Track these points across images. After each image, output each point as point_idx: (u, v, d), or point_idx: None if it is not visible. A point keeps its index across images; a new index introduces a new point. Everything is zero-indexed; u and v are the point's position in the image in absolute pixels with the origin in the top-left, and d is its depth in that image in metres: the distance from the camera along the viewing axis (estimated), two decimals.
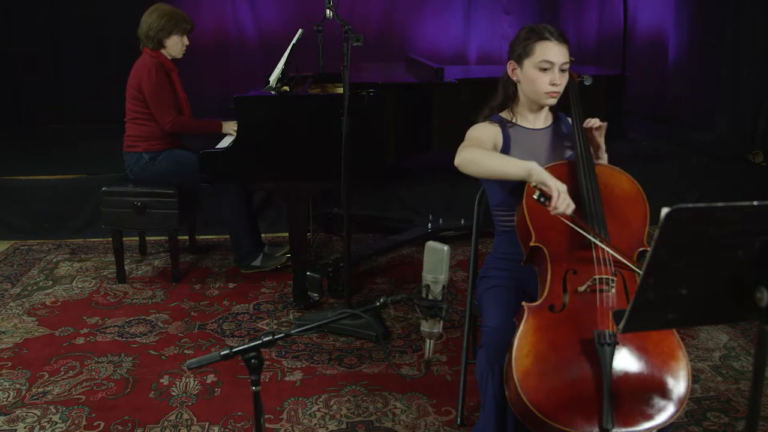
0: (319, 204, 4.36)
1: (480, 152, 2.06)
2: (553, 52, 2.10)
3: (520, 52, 2.15)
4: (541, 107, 2.21)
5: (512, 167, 1.97)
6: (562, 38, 2.13)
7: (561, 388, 1.71)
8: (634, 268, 1.90)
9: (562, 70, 2.12)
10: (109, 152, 4.52)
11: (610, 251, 1.89)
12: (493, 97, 2.28)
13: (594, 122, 2.13)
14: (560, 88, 2.14)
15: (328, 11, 3.01)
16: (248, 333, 3.16)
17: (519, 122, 2.23)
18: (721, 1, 5.48)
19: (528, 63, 2.13)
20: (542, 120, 2.25)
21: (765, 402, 2.35)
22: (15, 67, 6.07)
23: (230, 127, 3.77)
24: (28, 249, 4.25)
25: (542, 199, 1.89)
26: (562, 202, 1.86)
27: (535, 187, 1.91)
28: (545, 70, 2.11)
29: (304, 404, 2.60)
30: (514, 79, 2.20)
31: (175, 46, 3.70)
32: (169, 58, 3.72)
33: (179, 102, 3.72)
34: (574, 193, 2.00)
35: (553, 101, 2.17)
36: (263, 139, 3.17)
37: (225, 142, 3.60)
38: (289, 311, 3.39)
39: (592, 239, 1.89)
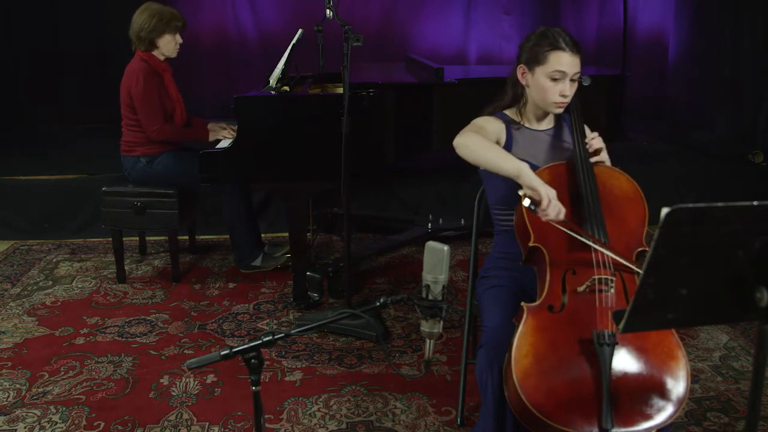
0: (319, 204, 4.36)
1: (479, 140, 2.05)
2: (567, 62, 2.07)
3: (532, 58, 2.12)
4: (547, 112, 2.21)
5: (505, 163, 1.96)
6: (576, 48, 2.09)
7: (560, 388, 1.71)
8: (633, 267, 1.90)
9: (572, 80, 2.11)
10: (109, 152, 4.49)
11: (608, 253, 1.89)
12: (500, 96, 2.27)
13: (595, 143, 2.11)
14: (569, 99, 2.13)
15: (328, 11, 3.01)
16: (248, 333, 3.16)
17: (524, 123, 2.23)
18: (720, 1, 5.48)
19: (540, 71, 2.10)
20: (546, 121, 2.25)
21: (765, 402, 2.35)
22: (15, 67, 6.06)
23: (217, 133, 3.73)
24: (28, 249, 4.25)
25: (532, 207, 1.88)
26: (553, 209, 1.86)
27: (524, 194, 1.90)
28: (556, 79, 2.09)
29: (304, 404, 2.60)
30: (523, 83, 2.18)
31: (168, 45, 3.60)
32: (163, 58, 3.63)
33: (171, 105, 3.63)
34: (573, 194, 2.00)
35: (560, 110, 2.16)
36: (263, 139, 3.17)
37: (225, 143, 3.60)
38: (289, 311, 3.39)
39: (588, 242, 1.89)
